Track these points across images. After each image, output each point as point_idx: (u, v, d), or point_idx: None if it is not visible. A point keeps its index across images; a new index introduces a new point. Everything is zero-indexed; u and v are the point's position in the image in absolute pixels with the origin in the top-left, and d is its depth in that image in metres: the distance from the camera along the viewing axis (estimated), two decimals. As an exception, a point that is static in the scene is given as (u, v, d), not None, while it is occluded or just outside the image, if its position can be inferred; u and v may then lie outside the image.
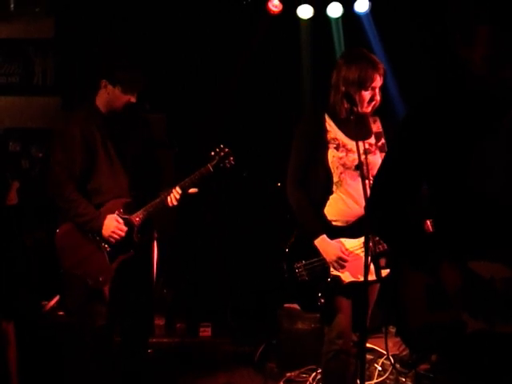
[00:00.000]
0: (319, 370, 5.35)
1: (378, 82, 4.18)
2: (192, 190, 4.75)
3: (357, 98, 4.15)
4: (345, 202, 4.20)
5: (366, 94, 4.17)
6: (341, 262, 4.13)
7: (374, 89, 4.17)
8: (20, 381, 4.64)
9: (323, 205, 4.22)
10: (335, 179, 4.20)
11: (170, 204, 4.65)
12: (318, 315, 5.46)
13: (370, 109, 4.22)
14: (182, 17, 6.85)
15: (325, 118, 4.27)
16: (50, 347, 5.33)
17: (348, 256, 4.15)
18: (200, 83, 6.94)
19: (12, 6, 6.96)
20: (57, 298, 5.81)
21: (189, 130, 6.88)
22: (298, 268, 4.23)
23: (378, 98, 4.21)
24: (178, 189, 4.66)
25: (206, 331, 6.56)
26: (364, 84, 4.14)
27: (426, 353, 3.89)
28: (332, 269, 4.19)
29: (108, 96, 4.60)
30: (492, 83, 2.55)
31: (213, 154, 4.74)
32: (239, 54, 7.00)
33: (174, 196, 4.64)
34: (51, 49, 7.13)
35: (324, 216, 4.22)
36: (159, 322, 6.55)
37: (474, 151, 2.57)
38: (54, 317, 5.74)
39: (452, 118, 2.62)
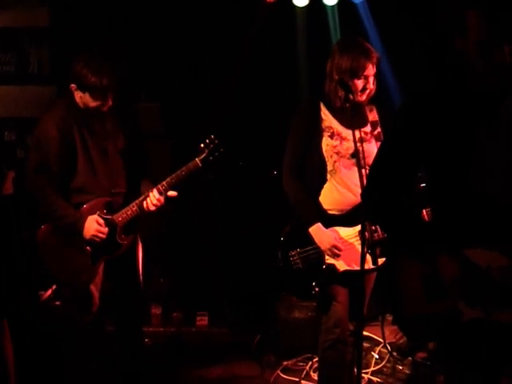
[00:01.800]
0: (316, 359, 5.37)
1: (371, 70, 4.17)
2: (171, 194, 4.55)
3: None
4: (339, 190, 4.21)
5: (359, 83, 4.16)
6: (335, 251, 4.14)
7: (366, 77, 4.16)
8: (18, 377, 4.63)
9: (318, 193, 4.23)
10: (329, 167, 4.21)
11: (147, 210, 4.50)
12: (314, 304, 5.48)
13: (364, 97, 4.21)
14: (177, 6, 6.82)
15: (320, 107, 4.27)
16: (47, 342, 5.32)
17: (342, 245, 4.16)
18: (196, 72, 6.92)
19: (6, -6, 6.94)
20: (53, 288, 5.80)
21: (185, 119, 6.86)
22: (292, 256, 4.24)
23: (371, 86, 4.21)
24: (155, 193, 4.50)
25: (202, 320, 6.56)
26: (356, 73, 4.13)
27: (423, 341, 3.87)
28: (327, 257, 4.19)
29: (81, 99, 4.47)
30: (491, 82, 2.55)
31: (202, 146, 4.57)
32: (235, 42, 6.97)
33: (151, 201, 4.48)
34: (46, 38, 7.09)
35: (319, 204, 4.23)
36: (156, 311, 6.56)
37: (474, 151, 2.58)
38: (49, 308, 5.73)
39: (448, 112, 2.62)
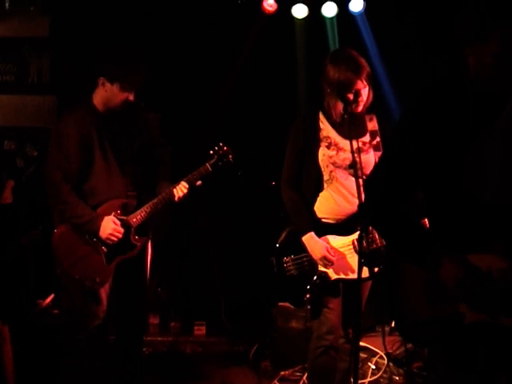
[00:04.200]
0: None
1: (360, 85, 4.13)
2: (198, 183, 4.73)
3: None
4: (335, 200, 4.23)
5: (349, 96, 4.12)
6: (325, 261, 4.17)
7: (357, 91, 4.13)
8: (16, 381, 4.64)
9: (314, 202, 4.26)
10: (325, 177, 4.23)
11: (177, 198, 4.63)
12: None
13: (359, 108, 4.20)
14: (176, 16, 6.85)
15: (319, 117, 4.30)
16: (46, 347, 5.33)
17: (334, 255, 4.18)
18: (195, 82, 6.94)
19: (7, 4, 6.96)
20: (52, 297, 5.82)
21: (183, 128, 6.88)
22: (286, 263, 4.28)
23: (363, 99, 4.17)
24: (184, 183, 4.65)
25: (200, 330, 6.57)
26: (343, 87, 4.12)
27: (424, 345, 3.87)
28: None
29: (106, 94, 4.55)
30: (491, 84, 2.57)
31: (212, 152, 4.75)
32: (234, 53, 7.00)
33: (181, 189, 4.62)
34: (46, 47, 7.12)
35: (314, 213, 4.26)
36: (154, 320, 6.57)
37: (471, 151, 2.60)
38: (48, 316, 5.74)
39: (448, 117, 2.64)
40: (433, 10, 6.52)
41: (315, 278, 4.21)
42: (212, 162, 4.72)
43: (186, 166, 4.78)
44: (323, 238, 4.24)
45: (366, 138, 4.27)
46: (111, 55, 4.61)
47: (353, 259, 4.16)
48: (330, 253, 4.19)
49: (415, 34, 6.62)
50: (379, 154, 4.20)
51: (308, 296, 4.21)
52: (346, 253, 4.21)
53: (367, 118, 4.32)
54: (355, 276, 3.84)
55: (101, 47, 5.99)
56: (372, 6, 6.81)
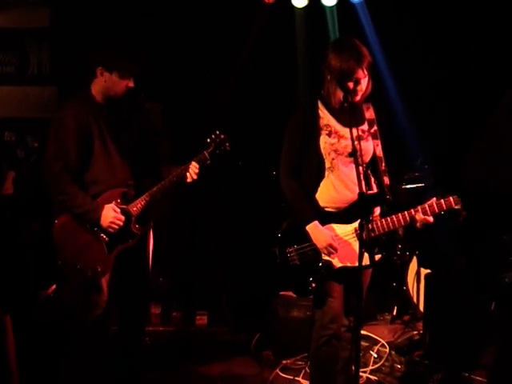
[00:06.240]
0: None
1: (361, 74, 4.11)
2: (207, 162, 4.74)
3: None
4: (336, 188, 4.22)
5: (350, 85, 4.12)
6: (330, 250, 4.16)
7: (357, 80, 4.11)
8: (19, 370, 4.65)
9: (315, 191, 4.25)
10: (327, 165, 4.22)
11: (190, 179, 4.63)
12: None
13: (357, 98, 4.19)
14: (177, 6, 6.85)
15: (318, 105, 4.28)
16: (47, 338, 5.34)
17: (338, 243, 4.18)
18: (196, 73, 6.94)
19: (7, -5, 6.97)
20: (53, 287, 5.83)
21: (184, 119, 6.88)
22: (289, 253, 4.27)
23: (362, 88, 4.15)
24: (194, 163, 4.65)
25: (202, 319, 6.58)
26: (346, 75, 4.09)
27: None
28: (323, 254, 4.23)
29: (105, 83, 4.55)
30: None
31: (209, 140, 4.73)
32: (235, 43, 6.99)
33: (193, 170, 4.62)
34: (47, 38, 7.13)
35: (316, 202, 4.25)
36: (155, 310, 6.59)
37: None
38: (50, 307, 5.75)
39: None
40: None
41: (320, 266, 4.21)
42: (209, 150, 4.71)
43: (186, 155, 4.77)
44: (327, 226, 4.23)
45: (365, 127, 4.26)
46: (106, 44, 4.62)
47: (357, 247, 4.14)
48: (334, 241, 4.19)
49: (415, 24, 6.62)
50: (377, 141, 4.22)
51: (314, 285, 4.21)
52: (350, 241, 4.21)
53: (364, 106, 4.32)
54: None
55: (98, 38, 6.02)
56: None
